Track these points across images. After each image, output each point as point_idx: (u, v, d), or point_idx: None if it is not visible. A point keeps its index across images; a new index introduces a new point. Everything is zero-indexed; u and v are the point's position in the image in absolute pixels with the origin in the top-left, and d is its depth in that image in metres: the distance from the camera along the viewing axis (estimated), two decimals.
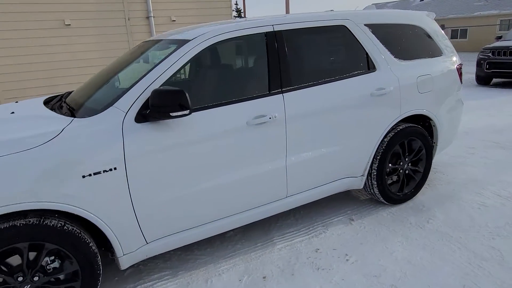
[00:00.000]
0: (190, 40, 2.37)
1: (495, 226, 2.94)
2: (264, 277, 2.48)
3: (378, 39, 3.08)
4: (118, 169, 2.05)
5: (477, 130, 5.64)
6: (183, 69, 2.42)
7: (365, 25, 3.04)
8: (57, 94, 3.19)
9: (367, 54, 3.00)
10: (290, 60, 2.66)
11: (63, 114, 2.29)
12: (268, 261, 2.66)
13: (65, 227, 1.98)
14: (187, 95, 2.06)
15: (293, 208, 3.40)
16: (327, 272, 2.50)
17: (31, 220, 1.88)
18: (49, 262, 2.00)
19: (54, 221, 1.95)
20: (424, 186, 3.72)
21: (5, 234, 1.82)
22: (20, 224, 1.85)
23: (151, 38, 3.05)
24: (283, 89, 2.60)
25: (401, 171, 3.31)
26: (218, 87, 2.44)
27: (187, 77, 2.84)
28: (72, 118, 2.13)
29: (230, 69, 2.66)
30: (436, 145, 3.53)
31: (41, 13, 10.22)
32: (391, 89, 3.02)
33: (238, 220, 2.59)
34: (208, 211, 2.43)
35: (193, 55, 2.33)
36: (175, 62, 2.27)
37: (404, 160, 3.30)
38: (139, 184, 2.13)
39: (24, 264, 1.93)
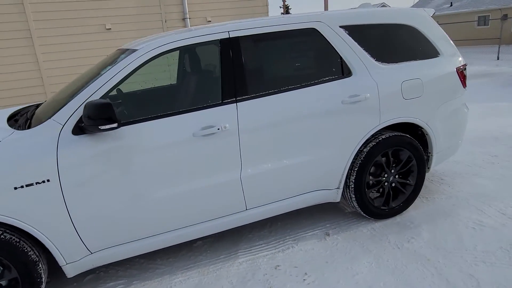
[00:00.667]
0: (135, 51, 2.35)
1: (484, 250, 2.60)
2: None
3: (356, 41, 2.85)
4: (52, 181, 2.08)
5: (509, 136, 5.06)
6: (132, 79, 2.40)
7: (340, 26, 2.83)
8: (32, 104, 3.24)
9: (341, 58, 2.78)
10: (247, 67, 2.55)
11: (17, 126, 2.38)
12: (224, 275, 2.57)
13: (2, 236, 2.05)
14: (114, 108, 2.04)
15: (271, 219, 3.27)
16: None
17: None
18: None
19: None
20: (422, 199, 3.40)
21: None
22: None
23: (122, 47, 3.07)
24: (238, 98, 2.49)
25: (386, 183, 3.05)
26: (166, 98, 2.40)
27: (137, 88, 2.83)
28: (14, 130, 2.21)
29: (180, 79, 2.61)
30: (432, 155, 3.20)
31: (84, 18, 10.95)
32: (367, 96, 2.78)
33: (189, 233, 2.54)
34: (153, 224, 2.40)
35: (136, 66, 2.30)
36: (116, 74, 2.26)
37: (389, 172, 3.03)
38: (76, 196, 2.15)
39: None
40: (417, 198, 3.44)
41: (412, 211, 3.21)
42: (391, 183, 3.06)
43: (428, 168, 3.26)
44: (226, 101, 2.46)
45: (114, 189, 2.23)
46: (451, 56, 3.18)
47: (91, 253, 2.32)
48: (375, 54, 2.90)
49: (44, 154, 2.07)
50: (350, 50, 2.80)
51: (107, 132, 2.18)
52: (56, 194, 2.10)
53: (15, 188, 2.02)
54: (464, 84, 3.24)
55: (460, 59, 3.23)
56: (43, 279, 2.22)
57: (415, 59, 3.04)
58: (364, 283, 2.37)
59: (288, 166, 2.65)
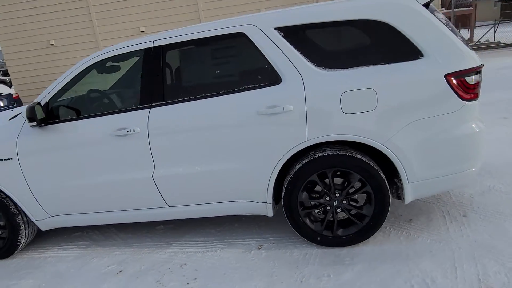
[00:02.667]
0: (80, 61, 2.85)
1: None
2: (120, 271, 2.80)
3: (292, 44, 2.52)
4: (14, 159, 2.87)
5: None
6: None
7: (275, 28, 2.54)
8: None
9: (269, 64, 2.54)
10: (167, 75, 2.68)
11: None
12: (144, 260, 2.90)
13: None
14: (36, 109, 2.62)
15: (225, 218, 3.33)
16: (158, 286, 2.55)
17: None
18: None
19: None
20: (402, 232, 2.75)
21: None
22: None
23: None
24: (153, 104, 2.68)
25: (329, 207, 2.65)
26: (97, 102, 2.84)
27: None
28: (4, 124, 3.08)
29: (114, 85, 2.95)
30: (404, 184, 2.54)
31: (120, 24, 12.75)
32: (289, 108, 2.46)
33: (118, 217, 2.96)
34: (87, 203, 2.93)
35: (75, 74, 2.80)
36: (61, 81, 2.82)
37: (333, 195, 2.61)
38: (29, 172, 2.89)
39: None
40: (399, 229, 2.80)
41: (369, 245, 2.67)
42: (336, 208, 2.64)
43: (402, 199, 2.61)
44: (142, 106, 2.70)
45: (51, 171, 2.86)
46: (444, 57, 2.37)
47: (51, 216, 3.07)
48: (316, 59, 2.50)
49: (9, 139, 2.86)
50: (281, 55, 2.51)
51: (49, 126, 2.80)
52: (17, 169, 2.89)
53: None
54: (466, 95, 2.38)
55: (465, 61, 2.37)
56: (22, 227, 3.09)
57: (378, 63, 2.43)
58: None
59: (201, 172, 2.69)
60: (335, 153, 2.50)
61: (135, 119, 2.68)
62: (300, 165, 2.56)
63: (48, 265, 3.03)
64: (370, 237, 2.68)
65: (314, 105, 2.45)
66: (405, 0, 2.45)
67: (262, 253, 2.78)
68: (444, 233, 2.71)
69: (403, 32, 2.41)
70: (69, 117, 2.81)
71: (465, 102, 2.39)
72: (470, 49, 2.52)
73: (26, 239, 3.17)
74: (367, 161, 2.48)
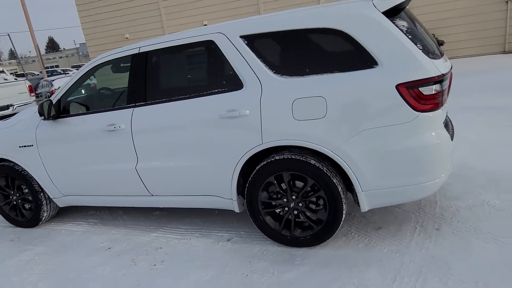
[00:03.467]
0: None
1: None
2: (109, 248, 3.22)
3: (254, 51, 2.65)
4: (34, 146, 3.43)
5: None
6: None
7: (241, 36, 2.69)
8: None
9: (233, 70, 2.70)
10: (149, 78, 2.99)
11: None
12: (131, 241, 3.29)
13: (22, 172, 3.61)
14: (44, 106, 3.11)
15: (212, 210, 3.58)
16: (130, 264, 2.91)
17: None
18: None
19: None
20: (360, 237, 2.76)
21: None
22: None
23: None
24: (136, 104, 3.02)
25: (286, 208, 2.76)
26: (96, 100, 3.26)
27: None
28: (31, 115, 3.65)
29: (110, 85, 3.32)
30: (357, 192, 2.54)
31: (185, 17, 12.98)
32: (246, 113, 2.61)
33: (112, 201, 3.39)
34: (87, 187, 3.40)
35: (79, 77, 3.24)
36: (69, 82, 3.29)
37: (289, 197, 2.72)
38: (45, 157, 3.43)
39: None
40: (363, 236, 2.81)
41: (325, 248, 2.73)
42: (293, 210, 2.74)
43: (359, 206, 2.62)
44: (128, 105, 3.05)
45: (60, 157, 3.36)
46: (398, 67, 2.33)
47: (64, 195, 3.60)
48: (275, 66, 2.60)
49: (31, 130, 3.43)
50: (243, 62, 2.66)
51: (60, 120, 3.30)
52: (36, 154, 3.45)
53: (19, 147, 3.50)
54: (420, 105, 2.32)
55: (420, 70, 2.30)
56: (44, 203, 3.68)
57: (332, 71, 2.47)
58: None
59: (174, 167, 2.97)
60: (290, 157, 2.60)
61: (122, 117, 3.05)
62: (259, 166, 2.71)
63: (59, 236, 3.58)
64: (324, 241, 2.73)
65: (268, 110, 2.57)
66: (363, 9, 2.44)
67: (228, 245, 2.99)
68: (405, 244, 2.66)
69: (358, 41, 2.40)
70: (75, 113, 3.28)
71: (419, 113, 2.32)
72: (437, 57, 2.42)
73: (48, 213, 3.77)
74: (320, 167, 2.54)
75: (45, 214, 3.75)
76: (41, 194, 3.66)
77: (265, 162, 2.67)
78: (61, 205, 3.71)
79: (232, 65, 2.70)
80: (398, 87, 2.30)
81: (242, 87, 2.67)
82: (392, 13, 2.45)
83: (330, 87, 2.43)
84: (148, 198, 3.25)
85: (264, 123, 2.59)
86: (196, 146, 2.84)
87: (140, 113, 2.99)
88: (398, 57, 2.34)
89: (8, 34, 37.19)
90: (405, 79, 2.30)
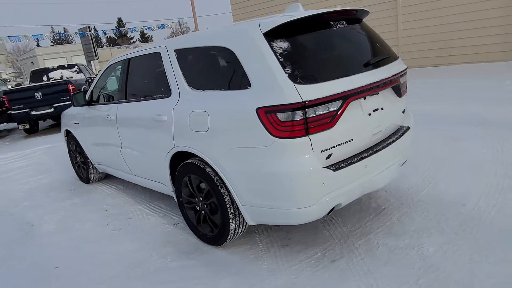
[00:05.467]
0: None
1: None
2: (106, 210, 4.15)
3: (179, 64, 2.98)
4: (79, 124, 4.60)
5: None
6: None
7: (174, 50, 3.05)
8: None
9: (167, 79, 3.10)
10: (129, 80, 3.65)
11: None
12: (122, 207, 4.14)
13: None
14: (73, 96, 4.16)
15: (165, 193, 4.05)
16: (104, 224, 3.74)
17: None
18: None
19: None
20: (260, 248, 2.85)
21: None
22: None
23: None
24: (121, 100, 3.75)
25: (197, 207, 3.07)
26: (106, 94, 4.13)
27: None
28: None
29: (117, 81, 4.06)
30: (238, 206, 2.66)
31: None
32: (164, 118, 3.00)
33: (118, 174, 4.27)
34: (101, 159, 4.38)
35: (101, 74, 4.15)
36: (97, 75, 4.25)
37: (198, 197, 3.02)
38: (84, 132, 4.56)
39: None
40: (265, 247, 2.89)
41: (223, 250, 2.95)
42: (202, 210, 3.03)
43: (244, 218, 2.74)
44: (119, 101, 3.81)
45: (87, 133, 4.42)
46: (263, 90, 2.34)
47: (96, 163, 4.70)
48: (189, 79, 2.89)
49: (77, 113, 4.60)
50: (172, 73, 3.04)
51: (88, 106, 4.33)
52: (80, 130, 4.61)
53: (73, 124, 4.73)
54: (276, 131, 2.29)
55: (280, 96, 2.25)
56: (90, 167, 4.89)
57: (221, 89, 2.62)
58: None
59: (135, 154, 3.61)
60: (194, 162, 2.89)
61: (113, 110, 3.84)
62: (179, 166, 3.08)
63: (94, 194, 4.71)
64: (220, 245, 2.95)
65: (177, 119, 2.90)
66: (247, 29, 2.48)
67: (169, 228, 3.49)
68: (286, 267, 2.64)
69: (239, 61, 2.48)
70: (95, 103, 4.26)
71: (276, 138, 2.29)
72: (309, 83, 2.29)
73: (95, 176, 4.98)
74: (212, 176, 2.75)
75: (92, 176, 4.97)
76: (88, 160, 4.86)
77: (182, 164, 3.03)
78: (100, 171, 4.85)
79: (166, 75, 3.10)
80: (257, 110, 2.32)
81: (170, 95, 3.06)
82: (288, 33, 2.42)
83: (213, 103, 2.61)
84: (132, 176, 4.00)
85: (174, 129, 2.94)
86: (144, 140, 3.41)
87: (120, 109, 3.71)
88: (264, 80, 2.34)
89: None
90: (264, 103, 2.30)
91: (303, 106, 2.21)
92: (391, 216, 3.11)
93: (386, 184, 2.81)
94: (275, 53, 2.33)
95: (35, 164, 6.73)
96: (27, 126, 10.07)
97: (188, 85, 2.89)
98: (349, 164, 2.45)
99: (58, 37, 67.49)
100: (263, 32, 2.39)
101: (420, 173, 3.82)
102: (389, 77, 2.68)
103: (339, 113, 2.35)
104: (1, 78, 10.18)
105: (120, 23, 77.28)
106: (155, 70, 3.33)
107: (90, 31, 24.08)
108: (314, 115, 2.26)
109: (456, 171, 3.77)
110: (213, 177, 2.73)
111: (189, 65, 2.92)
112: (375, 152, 2.62)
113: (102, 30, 32.66)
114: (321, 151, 2.35)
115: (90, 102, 4.32)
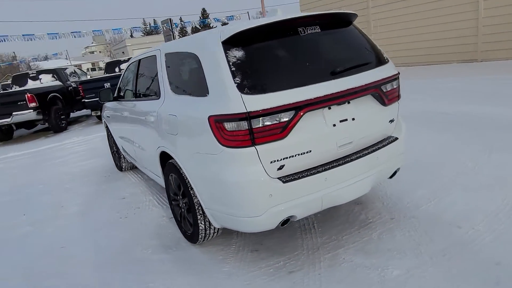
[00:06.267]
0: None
1: None
2: (124, 198, 4.52)
3: (166, 68, 3.11)
4: (111, 117, 5.04)
5: None
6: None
7: (165, 54, 3.18)
8: None
9: (158, 82, 3.26)
10: (137, 80, 3.91)
11: None
12: (135, 195, 4.48)
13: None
14: (100, 92, 4.55)
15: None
16: (117, 211, 4.11)
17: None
18: None
19: None
20: (234, 251, 2.91)
21: None
22: None
23: None
24: (132, 99, 4.02)
25: (179, 205, 3.21)
26: (126, 92, 4.45)
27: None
28: None
29: (135, 78, 4.30)
30: (203, 208, 2.74)
31: None
32: (152, 119, 3.18)
33: (137, 164, 4.61)
34: (125, 151, 4.75)
35: (126, 68, 4.47)
36: (120, 77, 4.60)
37: (179, 196, 3.16)
38: (113, 121, 4.98)
39: None
40: (238, 250, 2.95)
41: (200, 248, 3.06)
42: (182, 207, 3.16)
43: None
44: (131, 99, 4.10)
45: (115, 122, 4.81)
46: (216, 99, 2.37)
47: (125, 153, 5.11)
48: (171, 82, 3.02)
49: (108, 107, 5.03)
50: (161, 76, 3.19)
51: (115, 101, 4.72)
52: (111, 123, 5.05)
53: (106, 116, 5.18)
54: (224, 140, 2.31)
55: (227, 106, 2.27)
56: (122, 156, 5.34)
57: (190, 94, 2.71)
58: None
59: (139, 149, 3.87)
60: (173, 162, 3.02)
61: (128, 107, 4.14)
62: (166, 164, 3.25)
63: (121, 181, 5.13)
64: (195, 243, 3.06)
65: (159, 120, 3.05)
66: (210, 36, 2.52)
67: (165, 222, 3.69)
68: (243, 271, 2.67)
69: (203, 68, 2.53)
70: (120, 99, 4.62)
71: (224, 147, 2.31)
72: (256, 93, 2.25)
73: (126, 165, 5.42)
74: (184, 177, 2.86)
75: (124, 165, 5.42)
76: (119, 150, 5.31)
77: (166, 163, 3.19)
78: (129, 160, 5.27)
79: (158, 77, 3.27)
80: (209, 119, 2.36)
81: (159, 97, 3.22)
82: (247, 41, 2.42)
83: (181, 108, 2.71)
84: (143, 168, 4.29)
85: (158, 130, 3.10)
86: (142, 137, 3.64)
87: (130, 106, 4.00)
88: (217, 89, 2.37)
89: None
90: (214, 112, 2.33)
91: (247, 116, 2.20)
92: (373, 231, 2.94)
93: (355, 198, 2.66)
94: (228, 62, 2.34)
95: (90, 150, 7.50)
96: (99, 113, 11.18)
97: (170, 88, 3.02)
98: (303, 176, 2.37)
99: (149, 29, 73.27)
100: (221, 40, 2.40)
101: (431, 186, 3.49)
102: (362, 86, 2.50)
103: (291, 124, 2.28)
104: (81, 69, 11.41)
105: (204, 13, 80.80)
106: (152, 72, 3.51)
107: (171, 22, 26.11)
108: (261, 125, 2.23)
109: (474, 187, 3.37)
110: (185, 178, 2.84)
111: (172, 69, 3.05)
112: (340, 165, 2.49)
113: (187, 21, 34.73)
114: (271, 162, 2.31)
115: (117, 98, 4.70)
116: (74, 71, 12.85)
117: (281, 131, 2.28)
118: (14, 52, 59.43)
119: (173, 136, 2.82)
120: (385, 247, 2.70)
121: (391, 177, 2.92)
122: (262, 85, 2.29)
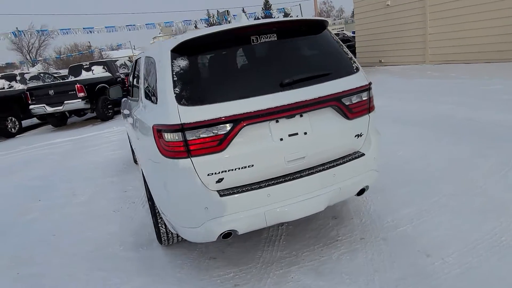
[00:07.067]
0: None
1: None
2: (125, 191, 4.74)
3: (144, 71, 3.18)
4: (123, 112, 5.28)
5: None
6: None
7: (145, 57, 3.24)
8: None
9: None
10: (135, 78, 4.04)
11: None
12: (138, 190, 4.67)
13: None
14: (108, 89, 4.77)
15: None
16: (116, 210, 4.32)
17: None
18: None
19: None
20: (196, 257, 2.95)
21: None
22: None
23: None
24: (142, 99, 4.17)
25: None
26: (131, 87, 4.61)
27: None
28: None
29: (133, 77, 4.42)
30: (161, 214, 2.79)
31: None
32: (131, 121, 3.28)
33: None
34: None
35: (132, 65, 4.65)
36: (130, 76, 4.77)
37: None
38: (125, 122, 5.21)
39: None
40: (200, 255, 2.98)
41: (167, 250, 3.13)
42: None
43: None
44: (131, 98, 4.25)
45: (124, 120, 5.02)
46: (160, 109, 2.39)
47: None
48: (145, 86, 3.08)
49: (124, 106, 5.26)
50: (141, 78, 3.28)
51: (125, 98, 4.92)
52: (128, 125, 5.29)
53: (124, 115, 5.44)
54: (164, 151, 2.32)
55: (164, 116, 2.28)
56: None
57: (150, 100, 2.76)
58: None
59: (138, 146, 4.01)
60: None
61: (127, 105, 4.30)
62: None
63: (130, 175, 5.36)
64: (161, 244, 3.12)
65: (134, 122, 3.15)
66: (164, 44, 2.52)
67: (150, 220, 3.81)
68: (194, 277, 2.68)
69: (156, 75, 2.55)
70: (127, 96, 4.81)
71: (163, 157, 2.32)
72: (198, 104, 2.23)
73: None
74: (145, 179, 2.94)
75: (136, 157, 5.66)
76: None
77: None
78: None
79: (140, 79, 3.36)
80: (153, 127, 2.38)
81: (138, 99, 3.31)
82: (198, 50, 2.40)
83: (142, 113, 2.76)
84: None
85: (136, 131, 3.19)
86: (132, 135, 3.76)
87: (129, 104, 4.15)
88: (162, 98, 2.38)
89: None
90: (156, 121, 2.35)
91: (181, 128, 2.18)
92: (336, 250, 2.78)
93: (306, 215, 2.52)
94: (173, 71, 2.33)
95: (120, 140, 7.92)
96: None
97: (144, 91, 3.08)
98: (243, 191, 2.31)
99: (213, 20, 75.40)
100: (170, 49, 2.40)
101: (421, 205, 3.22)
102: (315, 98, 2.35)
103: (228, 137, 2.22)
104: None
105: (266, 4, 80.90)
106: (139, 73, 3.61)
107: (228, 14, 26.99)
108: (196, 137, 2.20)
109: (467, 211, 3.04)
110: (146, 182, 2.91)
111: (146, 73, 3.10)
112: (288, 180, 2.38)
113: (250, 13, 35.29)
114: (208, 175, 2.28)
115: (126, 95, 4.90)
116: (124, 63, 13.57)
117: (218, 144, 2.23)
118: (89, 42, 64.26)
119: (137, 140, 2.89)
120: (340, 270, 2.55)
121: (358, 194, 2.73)
122: (200, 96, 2.25)
